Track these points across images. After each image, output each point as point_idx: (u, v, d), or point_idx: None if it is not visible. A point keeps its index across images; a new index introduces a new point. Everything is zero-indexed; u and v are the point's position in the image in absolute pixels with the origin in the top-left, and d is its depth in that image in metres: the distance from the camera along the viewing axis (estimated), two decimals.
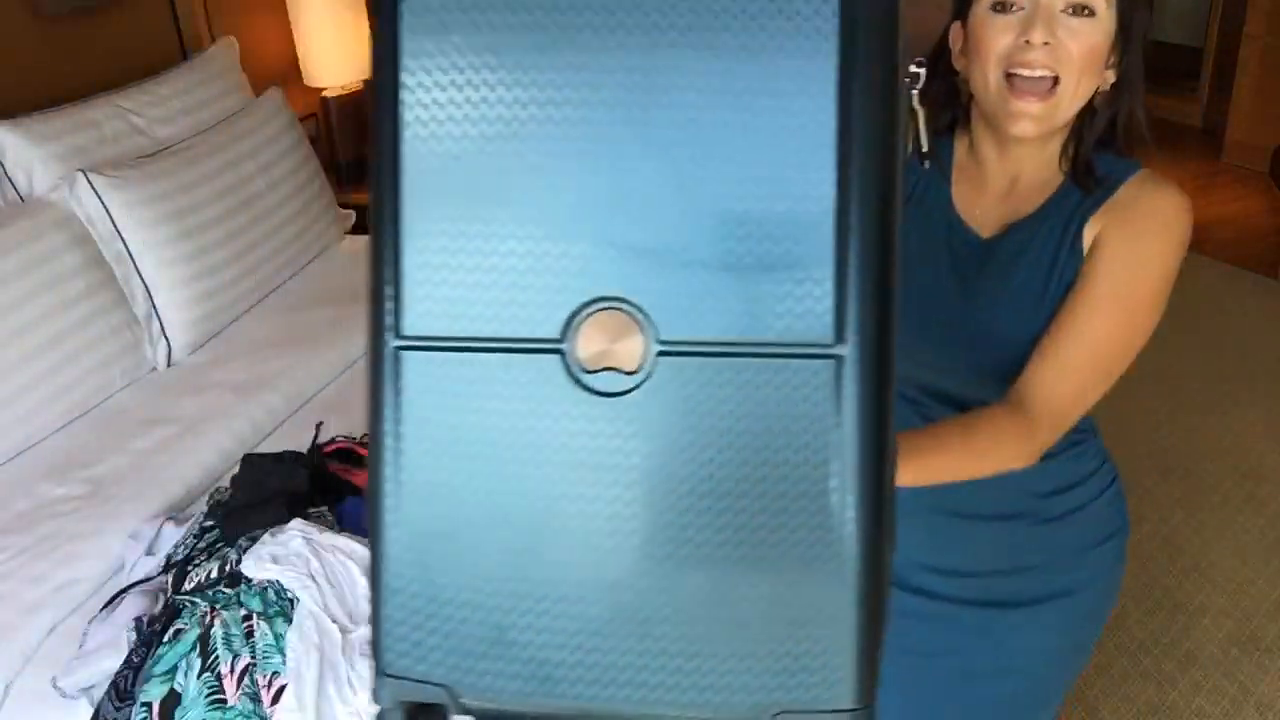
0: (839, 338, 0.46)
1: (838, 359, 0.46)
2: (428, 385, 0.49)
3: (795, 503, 0.47)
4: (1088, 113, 1.10)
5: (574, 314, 0.48)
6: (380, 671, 0.50)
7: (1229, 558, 2.73)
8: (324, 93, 3.36)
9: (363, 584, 1.47)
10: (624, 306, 0.47)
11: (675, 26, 0.46)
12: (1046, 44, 1.03)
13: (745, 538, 0.48)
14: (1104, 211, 1.09)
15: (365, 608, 1.45)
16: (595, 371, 0.48)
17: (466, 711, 0.50)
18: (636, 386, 0.47)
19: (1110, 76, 1.09)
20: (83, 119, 2.42)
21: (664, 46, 0.46)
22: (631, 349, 0.47)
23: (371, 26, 0.49)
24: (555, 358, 0.48)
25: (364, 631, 1.42)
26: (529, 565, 0.49)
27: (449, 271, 0.49)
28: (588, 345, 0.48)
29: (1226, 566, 2.70)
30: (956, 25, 1.12)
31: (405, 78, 0.48)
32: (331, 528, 1.58)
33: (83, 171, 2.30)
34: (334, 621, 1.41)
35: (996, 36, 1.05)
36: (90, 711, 1.43)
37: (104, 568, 1.74)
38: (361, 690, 1.35)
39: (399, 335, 0.49)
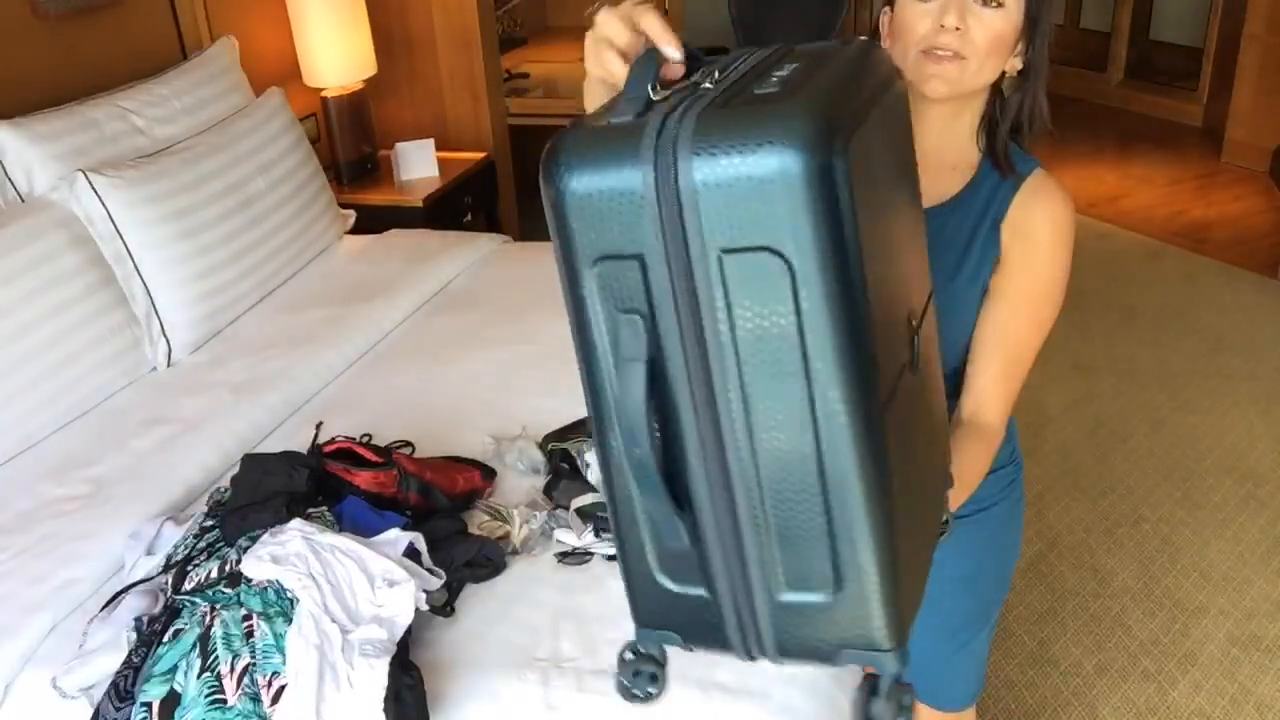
0: None
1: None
2: None
3: None
4: (997, 96, 1.25)
5: None
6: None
7: (1229, 558, 2.73)
8: (324, 93, 3.36)
9: (362, 583, 1.47)
10: None
11: None
12: (958, 29, 1.17)
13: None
14: (1009, 220, 1.25)
15: (365, 608, 1.45)
16: None
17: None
18: None
19: (1017, 64, 1.22)
20: (83, 119, 2.42)
21: None
22: None
23: None
24: None
25: (364, 631, 1.42)
26: None
27: None
28: None
29: (1226, 566, 2.70)
30: (886, 11, 1.27)
31: None
32: (331, 528, 1.57)
33: (83, 171, 2.30)
34: (334, 621, 1.41)
35: (917, 21, 1.19)
36: (90, 711, 1.43)
37: (104, 568, 1.73)
38: (361, 690, 1.35)
39: None
